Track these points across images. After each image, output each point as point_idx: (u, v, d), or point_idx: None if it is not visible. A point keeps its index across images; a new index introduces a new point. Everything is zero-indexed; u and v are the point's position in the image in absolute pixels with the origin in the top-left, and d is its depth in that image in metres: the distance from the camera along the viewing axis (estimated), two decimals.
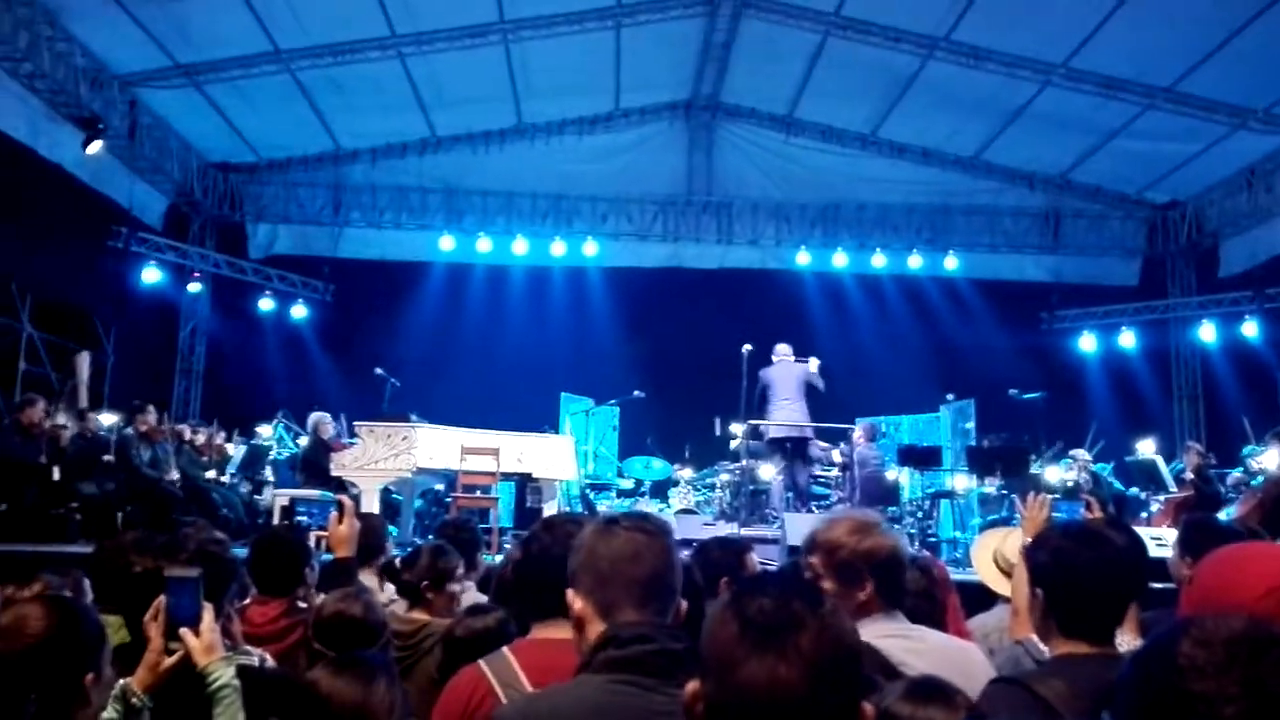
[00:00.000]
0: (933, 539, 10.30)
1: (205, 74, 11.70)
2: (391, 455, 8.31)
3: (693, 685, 1.29)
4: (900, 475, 11.02)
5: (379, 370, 10.35)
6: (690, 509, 10.73)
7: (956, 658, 2.22)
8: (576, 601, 1.83)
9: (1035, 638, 2.41)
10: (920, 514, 10.51)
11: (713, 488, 11.20)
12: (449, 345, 13.89)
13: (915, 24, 11.29)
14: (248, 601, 3.34)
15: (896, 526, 9.06)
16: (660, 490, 11.77)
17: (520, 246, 14.30)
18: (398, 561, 3.68)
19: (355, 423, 8.88)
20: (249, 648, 2.78)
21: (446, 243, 14.26)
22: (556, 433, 10.97)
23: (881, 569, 2.28)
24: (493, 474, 8.46)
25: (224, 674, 2.15)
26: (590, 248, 14.40)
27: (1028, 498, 3.28)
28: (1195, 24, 10.04)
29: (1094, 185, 14.19)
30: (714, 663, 1.26)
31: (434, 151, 14.20)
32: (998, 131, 13.11)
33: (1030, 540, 2.93)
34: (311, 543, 4.22)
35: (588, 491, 11.03)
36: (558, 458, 9.15)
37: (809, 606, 1.26)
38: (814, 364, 9.78)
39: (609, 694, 1.66)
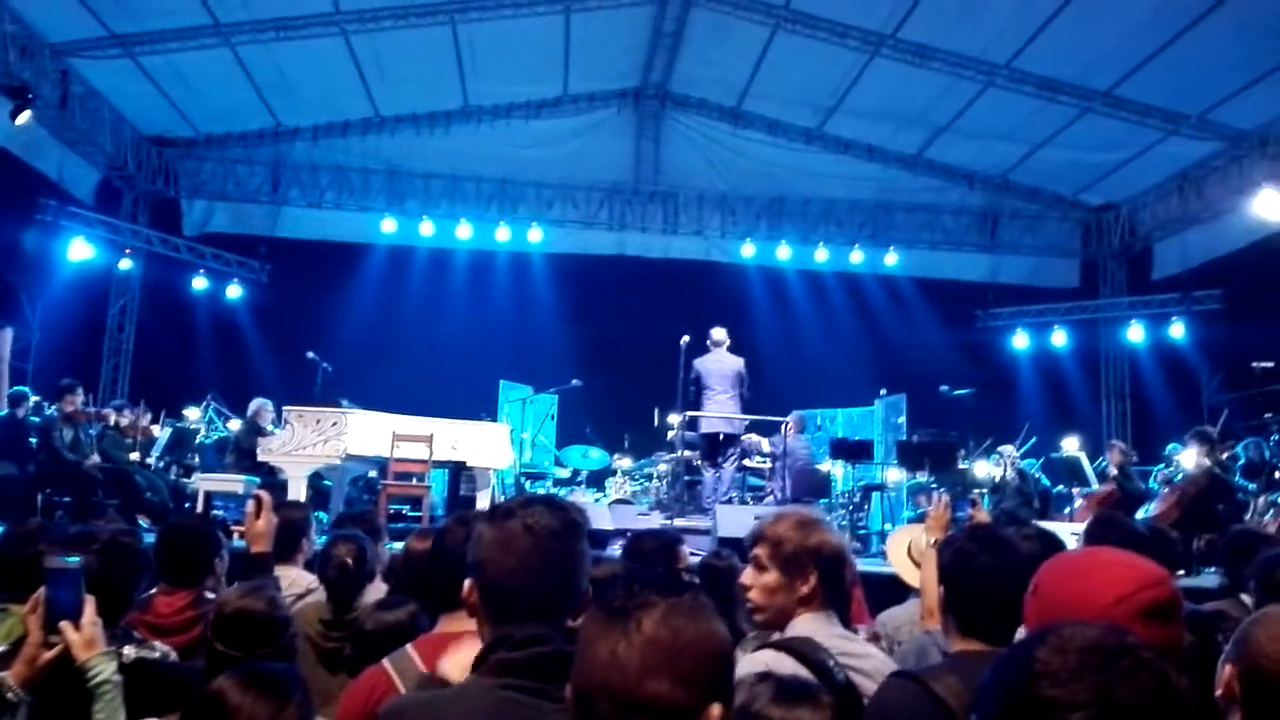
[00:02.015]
0: (863, 531, 10.44)
1: (141, 45, 11.37)
2: (321, 441, 8.14)
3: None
4: (833, 468, 11.14)
5: (311, 354, 10.17)
6: (626, 499, 10.74)
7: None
8: (474, 593, 1.76)
9: None
10: (851, 506, 10.65)
11: (650, 478, 11.23)
12: (387, 330, 13.71)
13: (863, 20, 11.36)
14: (154, 592, 3.26)
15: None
16: (597, 480, 11.77)
17: (464, 231, 14.14)
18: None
19: (284, 408, 8.71)
20: (154, 641, 2.71)
21: (388, 225, 14.04)
22: (494, 420, 10.89)
23: (826, 564, 2.34)
24: (425, 461, 8.35)
25: (105, 669, 2.09)
26: (535, 234, 14.26)
27: (933, 496, 3.34)
28: (1135, 28, 10.18)
29: (1032, 186, 14.41)
30: (578, 651, 1.26)
31: (377, 131, 13.95)
32: (940, 130, 13.26)
33: (933, 539, 3.00)
34: (236, 538, 4.12)
35: (523, 480, 10.98)
36: (493, 446, 9.05)
37: (662, 594, 1.25)
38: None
39: (498, 701, 1.58)
